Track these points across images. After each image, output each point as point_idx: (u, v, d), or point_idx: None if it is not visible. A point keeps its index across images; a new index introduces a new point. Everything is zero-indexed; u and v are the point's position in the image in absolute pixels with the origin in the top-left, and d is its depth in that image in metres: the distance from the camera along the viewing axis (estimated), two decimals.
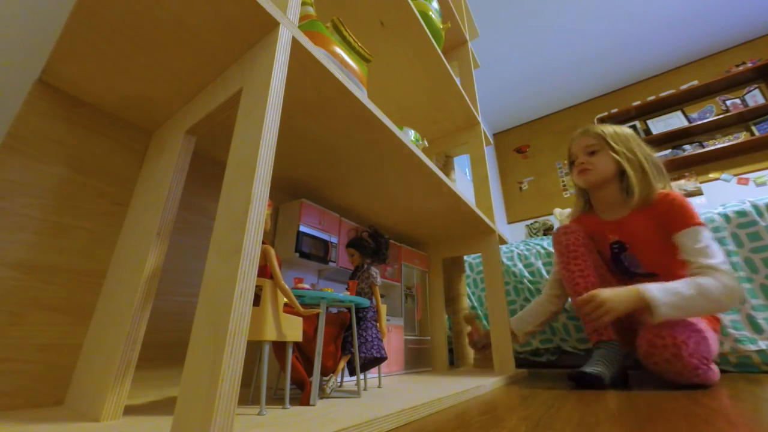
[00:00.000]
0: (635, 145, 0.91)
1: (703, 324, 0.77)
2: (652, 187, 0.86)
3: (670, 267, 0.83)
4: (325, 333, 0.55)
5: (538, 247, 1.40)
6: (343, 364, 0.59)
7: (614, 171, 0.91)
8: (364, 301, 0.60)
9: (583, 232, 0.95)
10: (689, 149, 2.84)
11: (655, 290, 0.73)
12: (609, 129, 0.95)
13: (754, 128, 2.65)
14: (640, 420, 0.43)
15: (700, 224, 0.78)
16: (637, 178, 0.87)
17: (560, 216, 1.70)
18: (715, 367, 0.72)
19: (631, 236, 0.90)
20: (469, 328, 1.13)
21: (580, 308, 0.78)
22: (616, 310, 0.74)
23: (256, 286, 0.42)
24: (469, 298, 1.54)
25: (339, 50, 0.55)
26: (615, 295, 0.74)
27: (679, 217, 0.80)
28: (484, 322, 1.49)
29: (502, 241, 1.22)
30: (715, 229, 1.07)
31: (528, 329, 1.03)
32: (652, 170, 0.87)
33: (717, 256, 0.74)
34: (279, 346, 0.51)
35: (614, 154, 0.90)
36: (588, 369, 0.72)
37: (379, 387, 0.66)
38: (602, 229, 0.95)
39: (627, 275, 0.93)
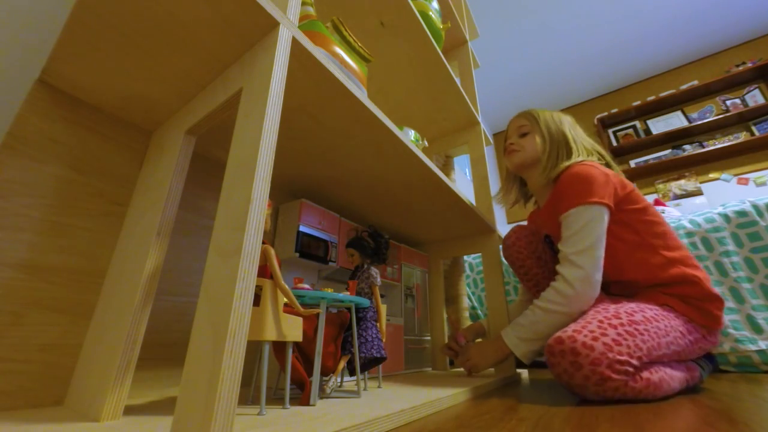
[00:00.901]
0: (568, 128, 0.84)
1: (655, 310, 0.63)
2: (556, 161, 0.78)
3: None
4: (325, 333, 0.55)
5: None
6: (343, 364, 0.59)
7: (541, 152, 0.83)
8: (364, 301, 0.60)
9: (527, 234, 0.92)
10: (689, 149, 2.83)
11: (508, 332, 0.72)
12: (546, 113, 0.89)
13: (754, 128, 2.64)
14: (639, 420, 0.43)
15: (586, 203, 0.67)
16: (546, 155, 0.80)
17: None
18: (663, 371, 0.56)
19: (550, 226, 0.83)
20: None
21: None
22: (478, 366, 0.79)
23: (256, 286, 0.42)
24: (469, 298, 1.54)
25: (339, 50, 0.55)
26: (480, 353, 0.78)
27: (566, 196, 0.70)
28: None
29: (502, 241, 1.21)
30: (715, 229, 1.07)
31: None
32: (571, 148, 0.79)
33: (576, 244, 0.66)
34: (279, 346, 0.51)
35: (540, 135, 0.85)
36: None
37: (379, 387, 0.66)
38: (540, 221, 0.90)
39: None
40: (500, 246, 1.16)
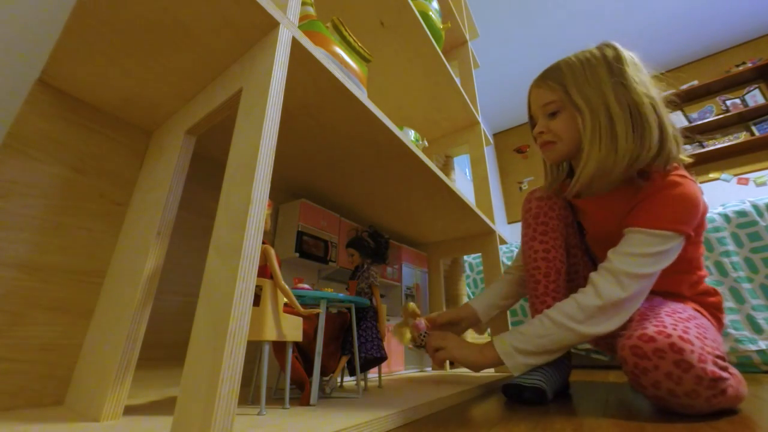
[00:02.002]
0: (610, 85, 0.57)
1: (689, 309, 0.57)
2: (636, 156, 0.56)
3: None
4: (325, 333, 0.55)
5: None
6: (343, 364, 0.59)
7: (590, 143, 0.59)
8: (364, 301, 0.60)
9: (562, 201, 0.72)
10: (689, 149, 2.81)
11: (504, 338, 0.61)
12: (573, 65, 0.62)
13: (754, 128, 2.64)
14: (640, 420, 0.43)
15: (676, 231, 0.54)
16: (594, 146, 0.58)
17: None
18: (736, 372, 0.48)
19: (593, 220, 0.70)
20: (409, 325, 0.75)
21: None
22: (450, 352, 0.64)
23: (256, 286, 0.42)
24: (469, 299, 1.54)
25: (339, 50, 0.55)
26: (459, 345, 0.65)
27: (656, 212, 0.55)
28: None
29: (502, 241, 1.21)
30: (715, 229, 1.07)
31: (493, 315, 0.80)
32: (639, 129, 0.56)
33: (636, 266, 0.54)
34: (279, 346, 0.51)
35: (578, 113, 0.60)
36: (525, 381, 0.56)
37: (379, 387, 0.66)
38: (578, 204, 0.71)
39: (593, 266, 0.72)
40: (498, 245, 1.16)
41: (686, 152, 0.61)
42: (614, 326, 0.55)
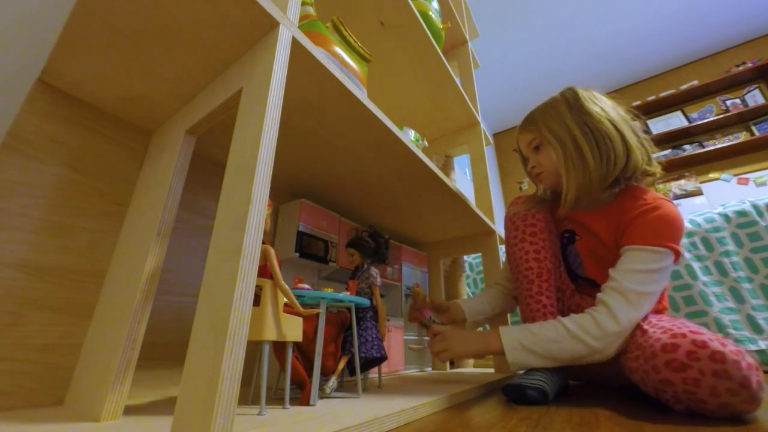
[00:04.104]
0: (570, 117, 0.67)
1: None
2: (604, 177, 0.63)
3: None
4: (325, 333, 0.55)
5: None
6: (343, 364, 0.59)
7: (566, 172, 0.67)
8: (364, 301, 0.60)
9: (547, 210, 0.77)
10: (689, 149, 2.83)
11: (512, 331, 0.62)
12: (541, 109, 0.73)
13: (754, 128, 2.64)
14: (640, 420, 0.43)
15: (671, 249, 0.58)
16: (570, 173, 0.65)
17: None
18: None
19: (584, 229, 0.73)
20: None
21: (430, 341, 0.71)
22: (457, 356, 0.66)
23: (256, 286, 0.42)
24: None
25: (339, 50, 0.55)
26: (461, 341, 0.66)
27: (649, 232, 0.60)
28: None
29: (502, 241, 1.21)
30: (715, 229, 1.07)
31: (478, 319, 0.85)
32: (603, 146, 0.63)
33: (643, 284, 0.57)
34: (279, 346, 0.51)
35: (551, 147, 0.69)
36: (527, 382, 0.57)
37: (379, 387, 0.66)
38: (562, 217, 0.77)
39: (570, 276, 0.75)
40: (498, 245, 1.15)
41: (663, 157, 0.74)
42: (620, 347, 0.57)
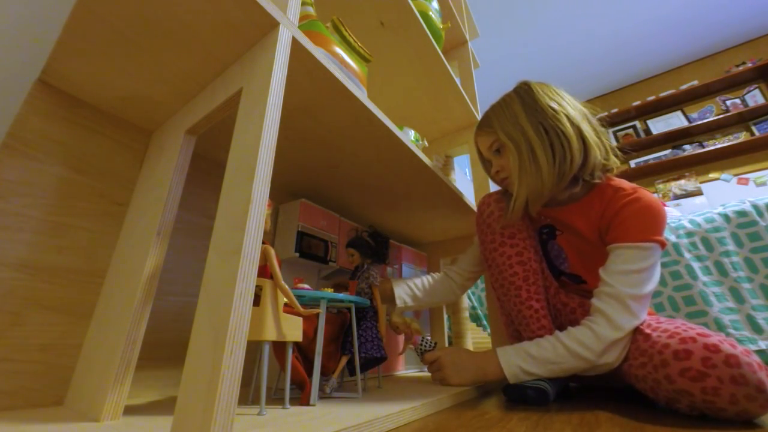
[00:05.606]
0: (525, 117, 0.64)
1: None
2: (567, 171, 0.61)
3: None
4: (325, 333, 0.55)
5: None
6: (343, 364, 0.59)
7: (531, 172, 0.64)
8: (364, 301, 0.60)
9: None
10: (689, 149, 2.84)
11: (510, 355, 0.60)
12: (495, 109, 0.70)
13: (754, 128, 2.65)
14: (640, 421, 0.43)
15: (658, 242, 0.57)
16: (523, 175, 0.63)
17: None
18: None
19: (563, 225, 0.70)
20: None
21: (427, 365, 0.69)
22: (450, 384, 0.64)
23: (256, 286, 0.42)
24: (469, 298, 1.54)
25: (339, 50, 0.55)
26: (456, 368, 0.64)
27: (633, 226, 0.58)
28: (485, 322, 1.49)
29: None
30: (715, 229, 1.07)
31: (410, 304, 0.81)
32: (558, 145, 0.61)
33: (638, 285, 0.55)
34: (279, 346, 0.51)
35: (507, 149, 0.66)
36: (527, 382, 0.57)
37: (378, 387, 0.66)
38: (539, 213, 0.72)
39: (553, 273, 0.72)
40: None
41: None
42: (622, 356, 0.55)
